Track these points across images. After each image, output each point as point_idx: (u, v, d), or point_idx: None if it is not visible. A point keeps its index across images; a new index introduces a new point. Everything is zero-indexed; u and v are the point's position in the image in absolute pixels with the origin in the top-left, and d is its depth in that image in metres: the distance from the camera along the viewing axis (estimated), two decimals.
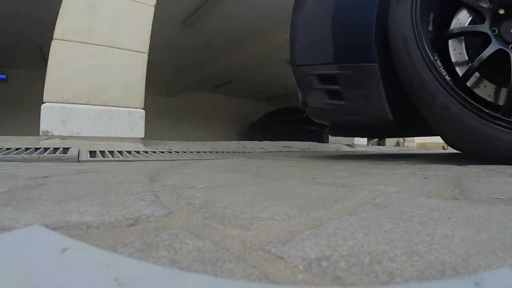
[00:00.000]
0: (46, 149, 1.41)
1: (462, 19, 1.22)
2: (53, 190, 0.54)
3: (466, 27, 1.16)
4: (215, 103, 7.98)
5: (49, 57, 1.68)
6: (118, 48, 1.84)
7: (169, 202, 0.47)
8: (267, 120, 7.43)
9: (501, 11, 1.11)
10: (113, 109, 1.79)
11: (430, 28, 1.19)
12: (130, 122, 1.82)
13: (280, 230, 0.34)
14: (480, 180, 0.71)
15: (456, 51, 1.21)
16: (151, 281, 0.20)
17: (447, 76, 1.12)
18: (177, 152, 1.76)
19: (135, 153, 1.54)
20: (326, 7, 1.28)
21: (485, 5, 1.17)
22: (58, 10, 1.71)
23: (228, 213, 0.41)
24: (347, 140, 3.98)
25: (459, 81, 1.12)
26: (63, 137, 1.64)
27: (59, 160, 1.21)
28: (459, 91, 1.06)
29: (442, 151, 4.24)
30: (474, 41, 1.19)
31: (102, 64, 1.79)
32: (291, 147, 2.86)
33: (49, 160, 1.19)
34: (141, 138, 1.86)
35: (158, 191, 0.56)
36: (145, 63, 1.92)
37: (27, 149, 1.38)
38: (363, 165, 1.17)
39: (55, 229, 0.33)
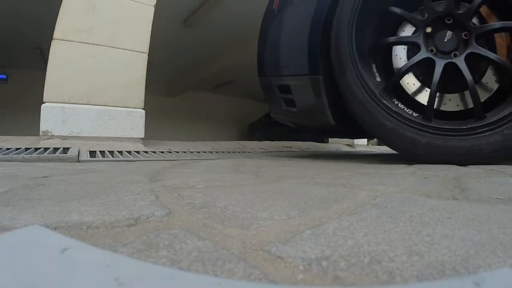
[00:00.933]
0: (46, 149, 1.41)
1: (400, 53, 1.29)
2: (53, 190, 0.54)
3: (409, 62, 1.19)
4: (215, 103, 7.97)
5: (49, 57, 1.68)
6: (118, 48, 1.84)
7: (169, 202, 0.47)
8: (267, 120, 7.42)
9: (428, 30, 1.18)
10: (113, 109, 1.78)
11: (379, 79, 1.25)
12: (130, 122, 1.82)
13: (280, 230, 0.34)
14: (480, 180, 0.71)
15: (409, 84, 1.27)
16: (151, 281, 0.20)
17: (414, 114, 1.17)
18: (177, 152, 1.76)
19: (135, 153, 1.54)
20: (282, 30, 1.48)
21: (411, 33, 1.24)
22: (58, 10, 1.71)
23: (228, 213, 0.41)
24: (347, 140, 3.97)
25: (427, 111, 1.15)
26: (63, 137, 1.64)
27: (59, 160, 1.21)
28: (433, 124, 1.11)
29: None
30: (420, 67, 1.23)
31: (102, 64, 1.79)
32: (291, 147, 2.85)
33: (49, 160, 1.19)
34: (141, 138, 1.86)
35: (158, 191, 0.56)
36: (145, 63, 1.92)
37: (27, 149, 1.38)
38: (363, 165, 1.17)
39: (55, 229, 0.33)
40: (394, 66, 1.28)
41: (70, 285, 0.19)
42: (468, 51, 1.11)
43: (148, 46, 1.93)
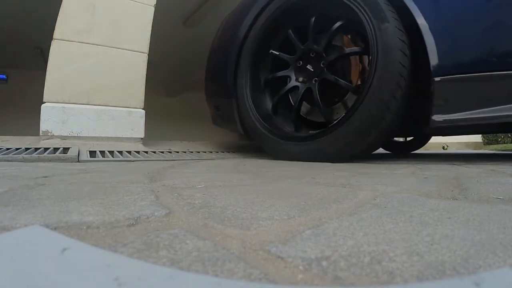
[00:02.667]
0: (46, 149, 1.41)
1: (307, 107, 1.76)
2: (53, 190, 0.54)
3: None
4: None
5: (49, 57, 1.68)
6: (118, 48, 1.83)
7: (169, 202, 0.47)
8: None
9: (301, 78, 1.58)
10: (113, 109, 1.78)
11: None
12: (130, 122, 1.82)
13: (280, 230, 0.34)
14: (480, 180, 0.71)
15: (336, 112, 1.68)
16: (151, 281, 0.20)
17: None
18: (177, 152, 1.76)
19: (135, 153, 1.54)
20: (216, 63, 1.95)
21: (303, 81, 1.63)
22: (58, 10, 1.71)
23: (228, 213, 0.41)
24: None
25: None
26: (63, 137, 1.64)
27: (59, 160, 1.21)
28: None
29: (442, 151, 4.24)
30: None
31: (102, 64, 1.79)
32: None
33: (49, 160, 1.19)
34: (141, 138, 1.86)
35: (158, 191, 0.56)
36: (145, 63, 1.92)
37: (27, 149, 1.38)
38: (363, 165, 1.17)
39: (55, 229, 0.33)
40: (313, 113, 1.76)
41: (70, 285, 0.19)
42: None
43: (148, 46, 1.93)
